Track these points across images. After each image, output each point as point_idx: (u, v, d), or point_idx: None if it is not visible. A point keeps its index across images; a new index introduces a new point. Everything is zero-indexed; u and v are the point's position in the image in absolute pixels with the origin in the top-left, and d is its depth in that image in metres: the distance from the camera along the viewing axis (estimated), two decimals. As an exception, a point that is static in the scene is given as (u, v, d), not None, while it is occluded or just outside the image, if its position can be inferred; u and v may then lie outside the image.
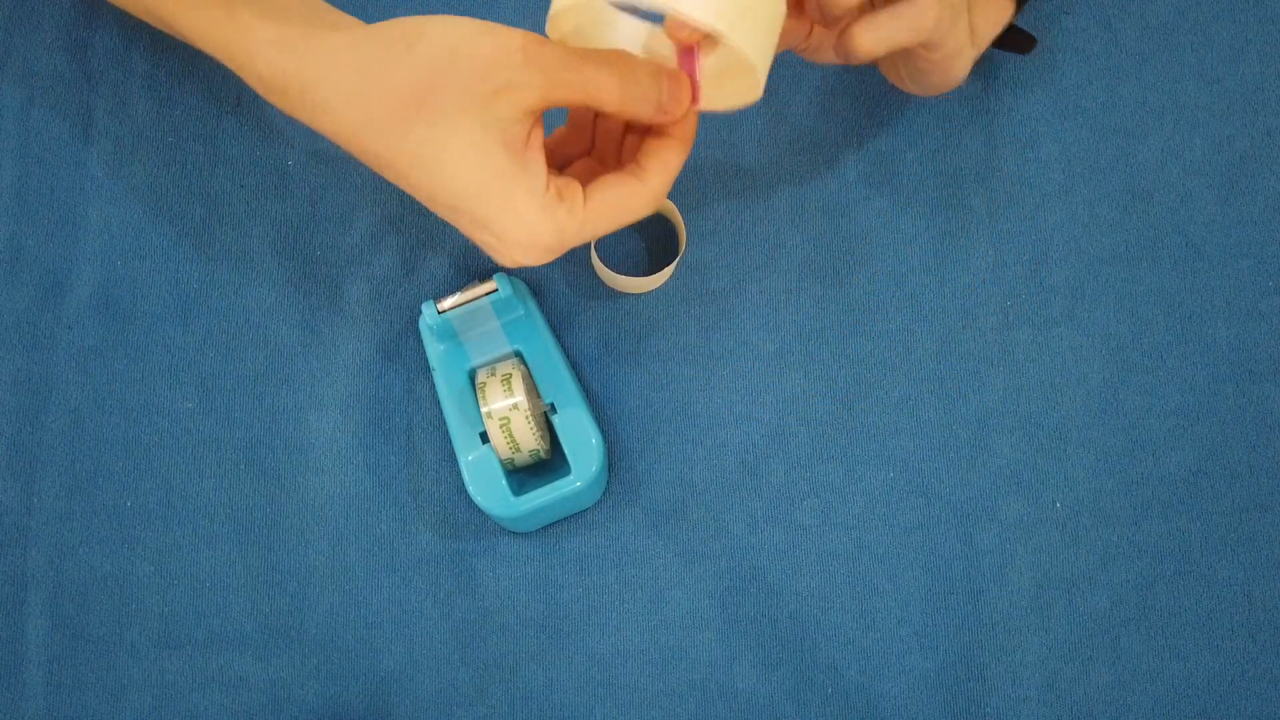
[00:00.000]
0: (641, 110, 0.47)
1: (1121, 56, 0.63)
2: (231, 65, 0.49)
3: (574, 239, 0.47)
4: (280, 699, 0.58)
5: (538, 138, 0.46)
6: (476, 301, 0.56)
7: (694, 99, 0.48)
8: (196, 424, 0.60)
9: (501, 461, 0.55)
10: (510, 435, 0.55)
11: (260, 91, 0.48)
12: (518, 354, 0.58)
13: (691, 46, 0.48)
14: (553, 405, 0.56)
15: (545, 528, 0.59)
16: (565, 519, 0.59)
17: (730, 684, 0.58)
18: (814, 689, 0.58)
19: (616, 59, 0.47)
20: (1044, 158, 0.62)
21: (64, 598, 0.59)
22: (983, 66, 0.63)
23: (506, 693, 0.58)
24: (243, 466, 0.60)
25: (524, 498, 0.55)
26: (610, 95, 0.46)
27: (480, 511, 0.58)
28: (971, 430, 0.60)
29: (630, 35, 0.50)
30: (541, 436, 0.56)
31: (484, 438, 0.56)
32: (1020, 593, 0.58)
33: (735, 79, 0.49)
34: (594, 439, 0.55)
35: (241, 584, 0.59)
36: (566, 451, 0.55)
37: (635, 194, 0.48)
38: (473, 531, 0.59)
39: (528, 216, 0.46)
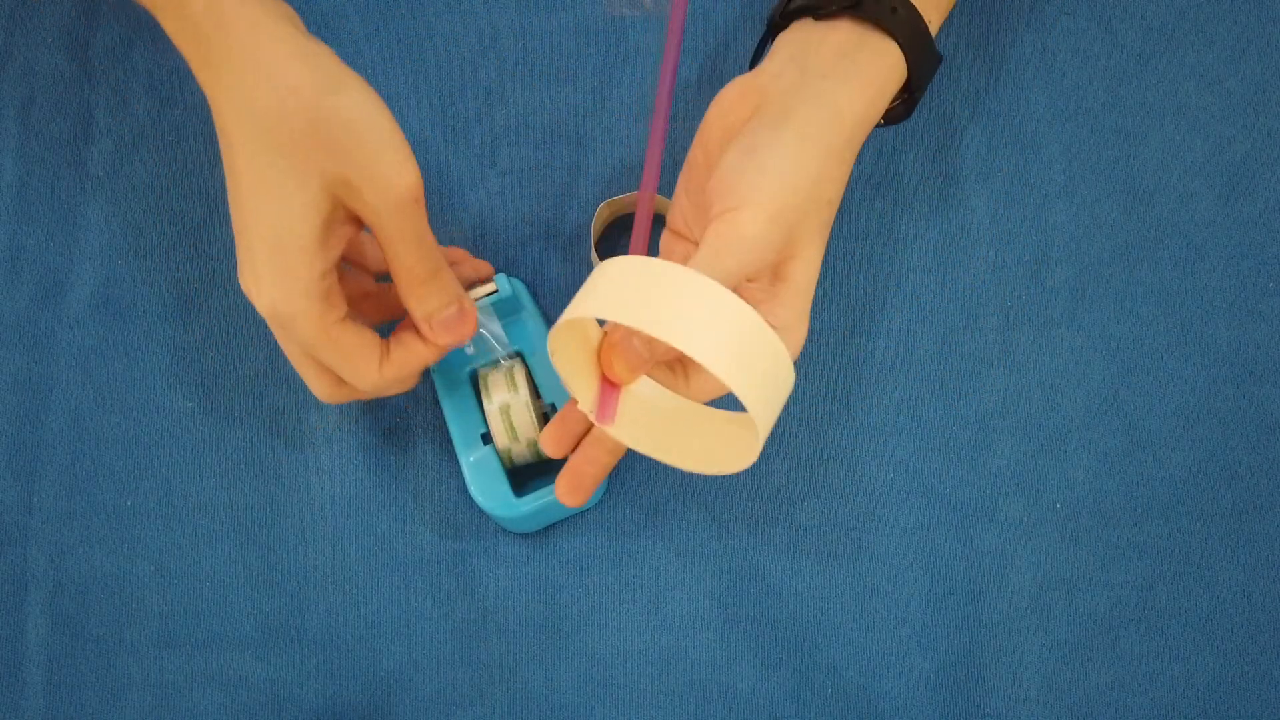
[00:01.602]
0: (414, 310, 0.50)
1: (1122, 57, 0.63)
2: (154, 13, 0.49)
3: (305, 338, 0.48)
4: (280, 699, 0.58)
5: (340, 244, 0.48)
6: (477, 302, 0.56)
7: (602, 418, 0.49)
8: (197, 423, 0.60)
9: (500, 454, 0.55)
10: (510, 423, 0.55)
11: (177, 43, 0.49)
12: (518, 355, 0.58)
13: (617, 385, 0.49)
14: (553, 405, 0.56)
15: (545, 528, 0.59)
16: (565, 519, 0.59)
17: (730, 684, 0.58)
18: (814, 689, 0.58)
19: (438, 261, 0.49)
20: (1045, 158, 0.62)
21: (64, 597, 0.59)
22: (984, 66, 0.63)
23: (506, 693, 0.58)
24: (243, 466, 0.60)
25: (525, 498, 0.55)
26: (405, 275, 0.49)
27: (480, 512, 0.58)
28: (972, 430, 0.60)
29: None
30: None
31: (485, 438, 0.56)
32: (1020, 593, 0.58)
33: (712, 444, 0.49)
34: (594, 439, 0.55)
35: (241, 583, 0.59)
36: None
37: (368, 364, 0.50)
38: (473, 532, 0.59)
39: (289, 290, 0.47)
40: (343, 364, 0.50)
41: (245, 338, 0.61)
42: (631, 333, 0.48)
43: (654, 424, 0.50)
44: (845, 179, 0.50)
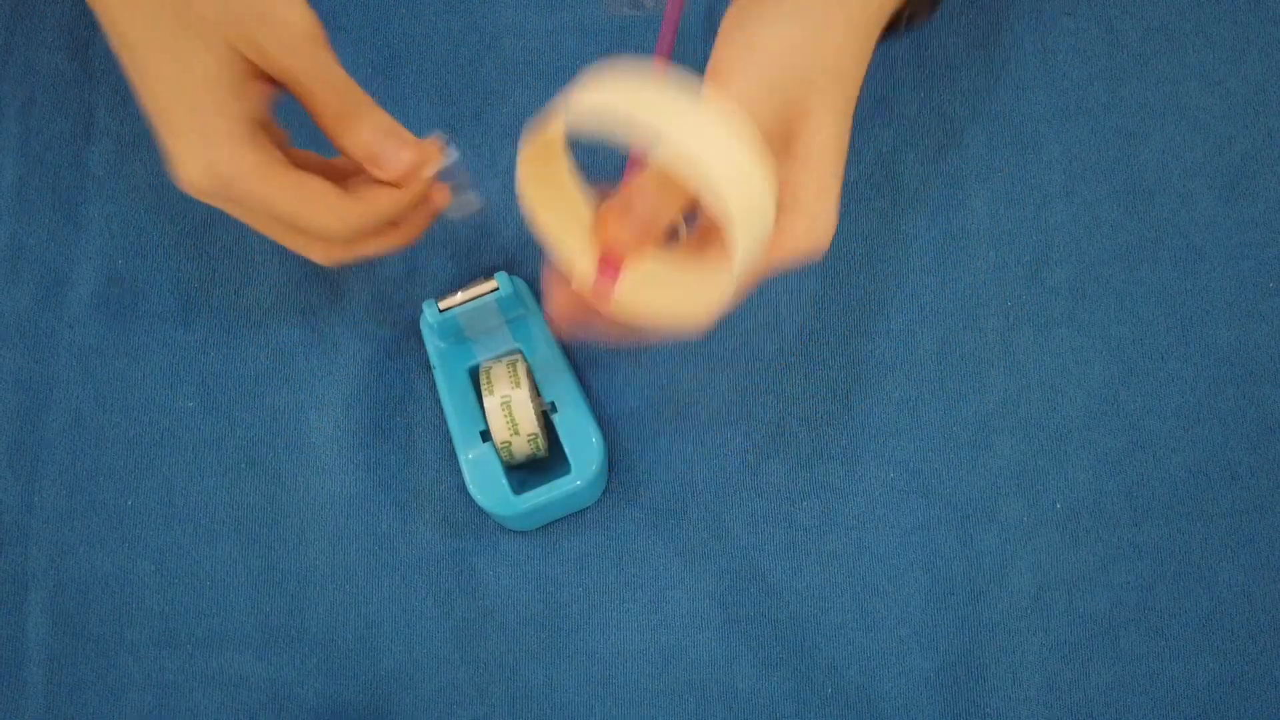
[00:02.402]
0: (353, 147, 0.48)
1: (1123, 57, 0.63)
2: None
3: (248, 189, 0.47)
4: (280, 698, 0.58)
5: (260, 99, 0.47)
6: (477, 300, 0.56)
7: (599, 298, 0.46)
8: (197, 423, 0.60)
9: (499, 449, 0.55)
10: (510, 415, 0.55)
11: None
12: (519, 353, 0.58)
13: (618, 259, 0.46)
14: (553, 404, 0.56)
15: (545, 527, 0.59)
16: (565, 518, 0.59)
17: (730, 684, 0.58)
18: (814, 689, 0.58)
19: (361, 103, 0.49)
20: (1045, 158, 0.62)
21: (64, 596, 0.59)
22: (984, 66, 0.63)
23: (506, 691, 0.58)
24: (243, 465, 0.60)
25: (524, 496, 0.55)
26: (329, 109, 0.48)
27: (480, 510, 0.58)
28: (972, 430, 0.60)
29: (578, 217, 0.48)
30: (540, 431, 0.56)
31: (484, 436, 0.56)
32: (1020, 593, 0.58)
33: (675, 290, 0.46)
34: (594, 438, 0.55)
35: (242, 583, 0.59)
36: (567, 450, 0.55)
37: (326, 192, 0.48)
38: (473, 530, 0.59)
39: (214, 139, 0.46)
40: (302, 209, 0.47)
41: (246, 338, 0.61)
42: (634, 195, 0.45)
43: (640, 288, 0.47)
44: (861, 52, 0.48)
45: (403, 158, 0.49)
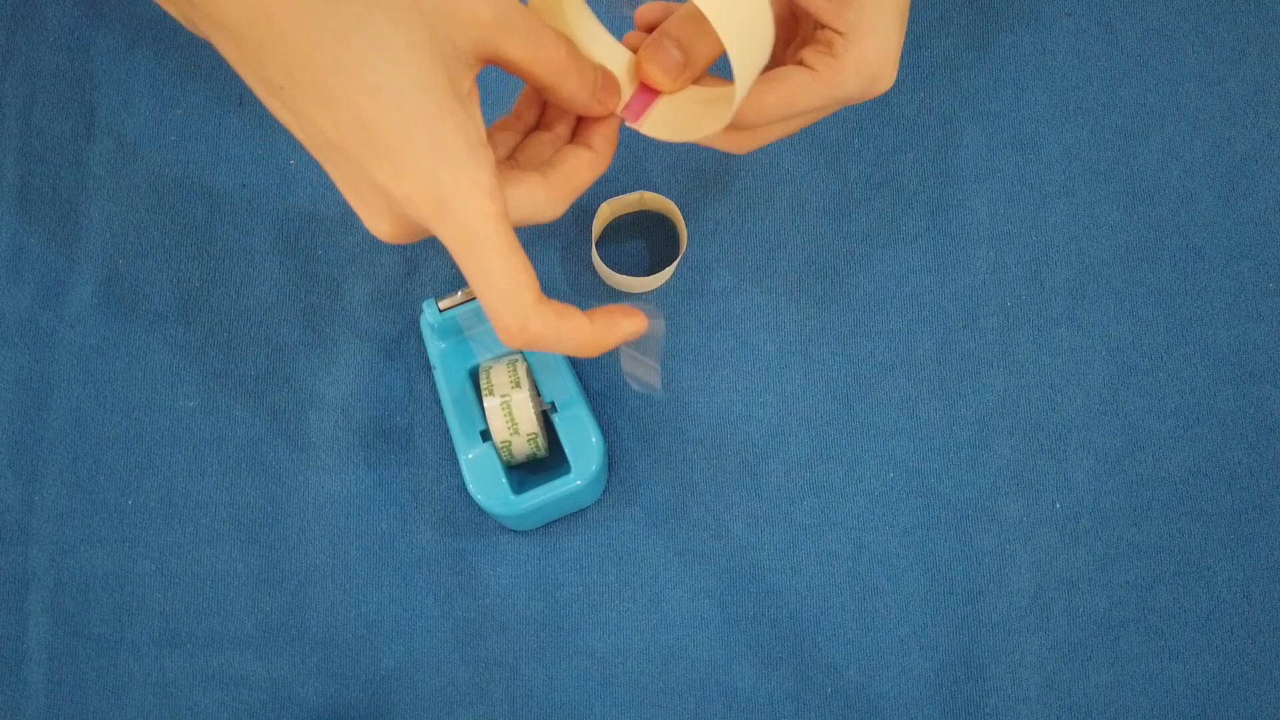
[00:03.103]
0: (577, 92, 0.42)
1: (1122, 58, 0.63)
2: None
3: (481, 204, 0.39)
4: (280, 697, 0.58)
5: (477, 95, 0.40)
6: (478, 300, 0.56)
7: (631, 116, 0.47)
8: (198, 422, 0.60)
9: (499, 449, 0.55)
10: (510, 416, 0.55)
11: None
12: (518, 352, 0.58)
13: (655, 92, 0.47)
14: (553, 404, 0.56)
15: (545, 526, 0.59)
16: (565, 518, 0.59)
17: (730, 684, 0.58)
18: (814, 689, 0.58)
19: (566, 38, 0.42)
20: (1045, 159, 0.62)
21: (65, 595, 0.59)
22: (984, 66, 0.63)
23: (506, 691, 0.58)
24: (244, 465, 0.60)
25: (524, 496, 0.55)
26: (556, 64, 0.41)
27: (480, 510, 0.58)
28: (971, 430, 0.60)
29: (615, 63, 0.49)
30: (540, 431, 0.56)
31: (484, 435, 0.56)
32: (1020, 593, 0.58)
33: (697, 114, 0.47)
34: (594, 438, 0.55)
35: (242, 582, 0.59)
36: (567, 450, 0.55)
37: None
38: (473, 530, 0.59)
39: (449, 153, 0.37)
40: (488, 291, 0.40)
41: (246, 337, 0.61)
42: (669, 36, 0.46)
43: (667, 112, 0.49)
44: None
45: (614, 83, 0.45)
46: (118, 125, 0.63)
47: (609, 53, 0.49)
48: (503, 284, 0.40)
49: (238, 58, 0.38)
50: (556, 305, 0.43)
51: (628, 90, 0.48)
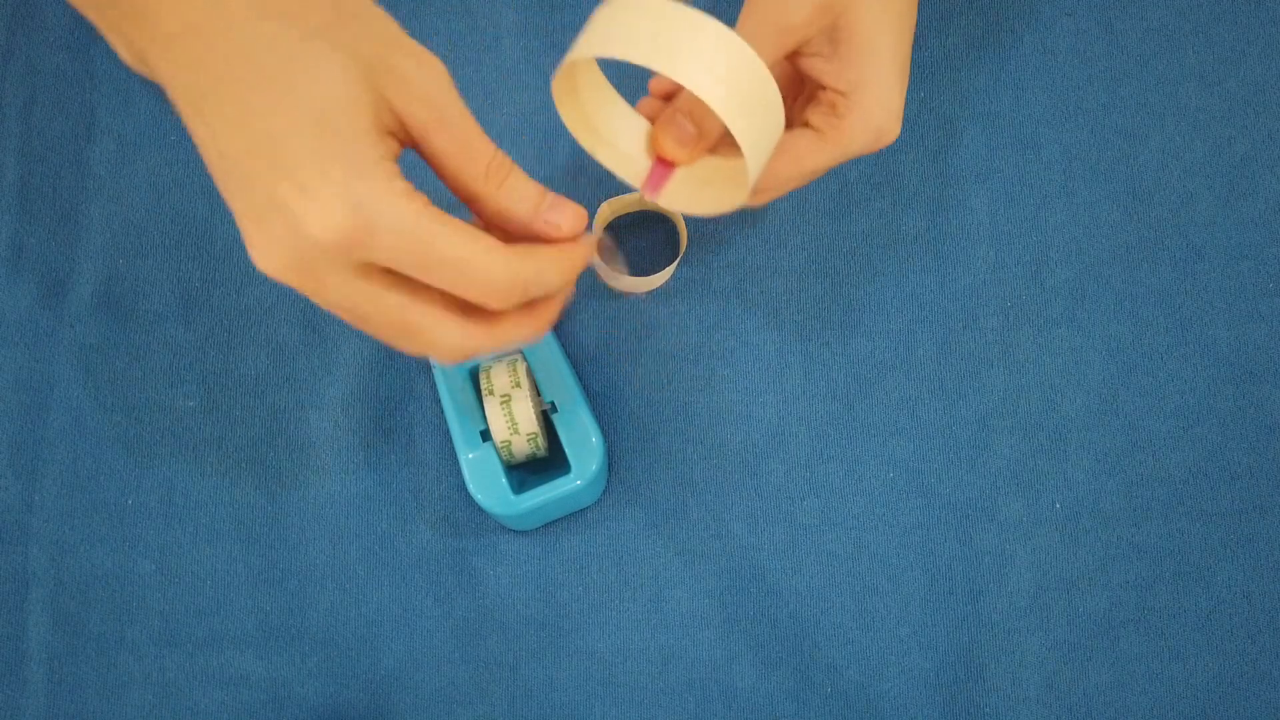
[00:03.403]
0: (513, 205, 0.40)
1: (1122, 58, 0.63)
2: None
3: (390, 227, 0.36)
4: (280, 697, 0.58)
5: (395, 149, 0.37)
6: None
7: (651, 192, 0.47)
8: (198, 422, 0.60)
9: (499, 448, 0.55)
10: (511, 416, 0.55)
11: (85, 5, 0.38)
12: (518, 352, 0.58)
13: (671, 164, 0.47)
14: (553, 404, 0.56)
15: (545, 526, 0.59)
16: (565, 518, 0.59)
17: (730, 683, 0.58)
18: (814, 689, 0.58)
19: (499, 156, 0.40)
20: (1045, 159, 0.62)
21: (65, 595, 0.59)
22: (984, 66, 0.63)
23: (507, 691, 0.58)
24: (244, 465, 0.60)
25: (524, 496, 0.55)
26: (479, 163, 0.39)
27: (480, 510, 0.58)
28: (971, 430, 0.60)
29: (631, 133, 0.50)
30: (540, 431, 0.56)
31: (484, 435, 0.56)
32: (1020, 593, 0.58)
33: (713, 189, 0.48)
34: (594, 438, 0.55)
35: (242, 582, 0.59)
36: (567, 450, 0.55)
37: (493, 246, 0.38)
38: (473, 530, 0.59)
39: (359, 170, 0.35)
40: (472, 256, 0.37)
41: (247, 337, 0.61)
42: (681, 110, 0.46)
43: (683, 184, 0.50)
44: None
45: (572, 210, 0.41)
46: (118, 125, 0.63)
47: (627, 125, 0.50)
48: (465, 252, 0.37)
49: (170, 74, 0.37)
50: (520, 244, 0.40)
51: (642, 163, 0.48)
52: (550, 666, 0.58)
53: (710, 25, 0.42)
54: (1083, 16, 0.63)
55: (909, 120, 0.62)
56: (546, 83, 0.63)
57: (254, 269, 0.62)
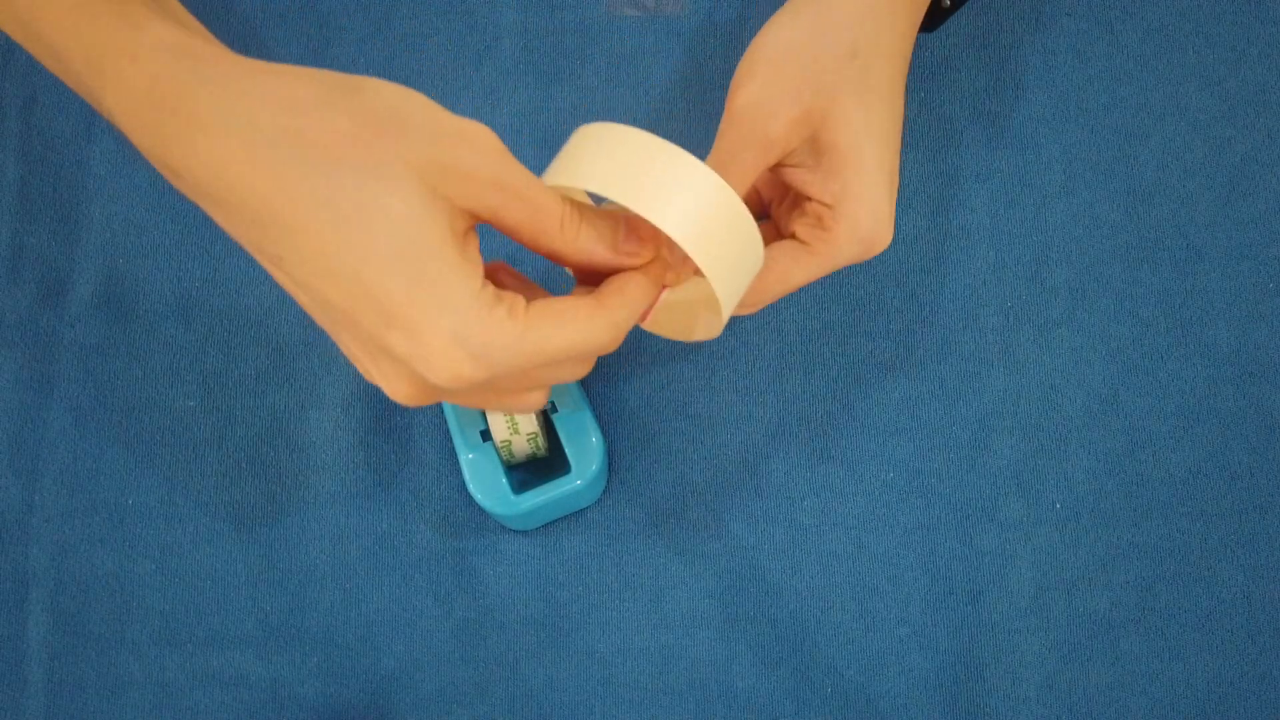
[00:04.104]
0: (593, 248, 0.40)
1: (1123, 58, 0.63)
2: (89, 73, 0.37)
3: (504, 355, 0.37)
4: (280, 697, 0.58)
5: (475, 242, 0.38)
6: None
7: (640, 319, 0.45)
8: (198, 422, 0.60)
9: (499, 449, 0.55)
10: (510, 415, 0.55)
11: (121, 110, 0.37)
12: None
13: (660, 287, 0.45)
14: (553, 404, 0.56)
15: (545, 526, 0.59)
16: (565, 518, 0.59)
17: (730, 683, 0.58)
18: (814, 689, 0.58)
19: (568, 203, 0.40)
20: (1045, 159, 0.62)
21: (65, 595, 0.59)
22: (984, 66, 0.63)
23: (507, 691, 0.58)
24: (244, 465, 0.60)
25: (524, 496, 0.55)
26: (551, 232, 0.39)
27: (480, 510, 0.58)
28: (971, 430, 0.60)
29: None
30: (540, 431, 0.56)
31: (484, 435, 0.56)
32: (1020, 593, 0.58)
33: (695, 314, 0.47)
34: (594, 438, 0.55)
35: (242, 582, 0.59)
36: (567, 450, 0.55)
37: (590, 314, 0.39)
38: (473, 530, 0.59)
39: (458, 307, 0.36)
40: (571, 348, 0.38)
41: (246, 337, 0.61)
42: (664, 239, 0.44)
43: (667, 310, 0.49)
44: (881, 36, 0.45)
45: (648, 231, 0.41)
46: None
47: None
48: (571, 339, 0.39)
49: (233, 227, 0.38)
50: (609, 288, 0.41)
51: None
52: (550, 666, 0.58)
53: (682, 162, 0.41)
54: (1083, 16, 0.63)
55: (909, 120, 0.62)
56: (546, 83, 0.63)
57: (254, 269, 0.62)
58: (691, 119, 0.63)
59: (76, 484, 0.60)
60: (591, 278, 0.42)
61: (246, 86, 0.36)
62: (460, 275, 0.36)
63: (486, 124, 0.63)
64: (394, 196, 0.35)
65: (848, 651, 0.58)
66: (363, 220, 0.35)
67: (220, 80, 0.36)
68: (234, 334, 0.61)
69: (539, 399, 0.42)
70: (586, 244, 0.40)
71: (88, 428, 0.61)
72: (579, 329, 0.39)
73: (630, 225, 0.42)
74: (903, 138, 0.62)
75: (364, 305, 0.36)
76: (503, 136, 0.62)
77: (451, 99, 0.63)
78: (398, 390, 0.39)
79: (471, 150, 0.37)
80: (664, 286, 0.46)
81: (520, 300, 0.38)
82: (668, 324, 0.48)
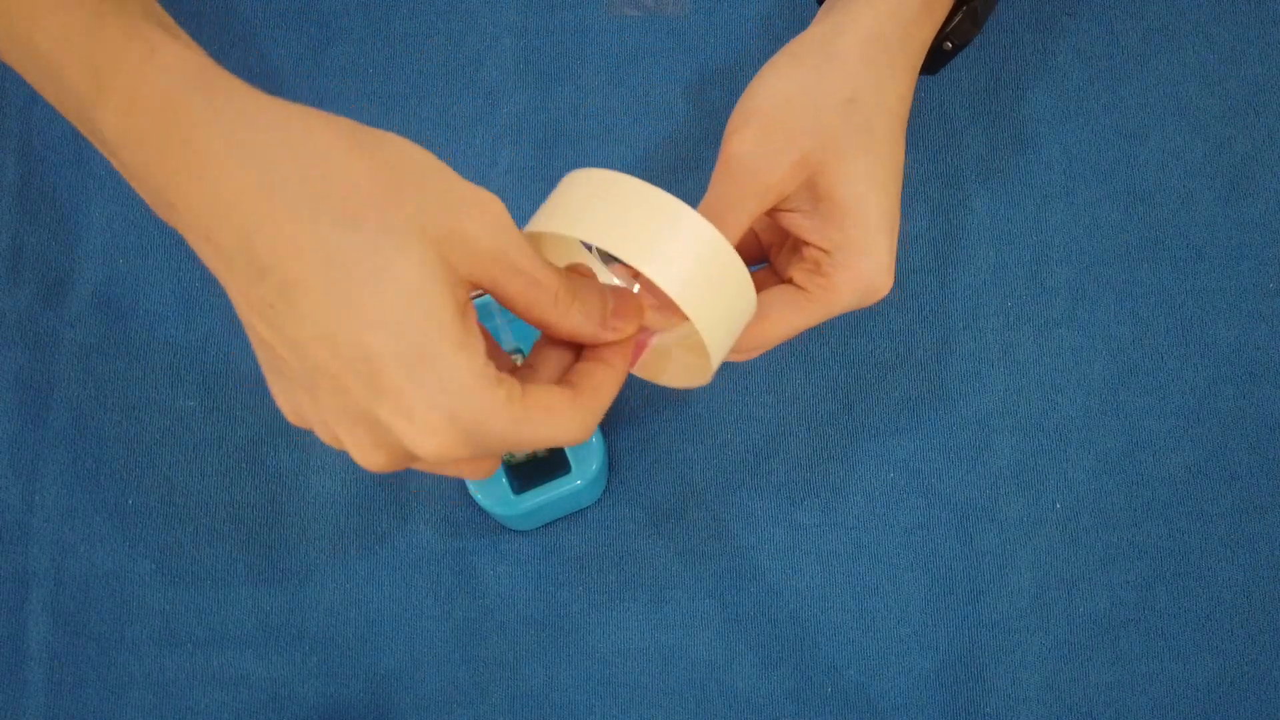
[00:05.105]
0: (579, 328, 0.39)
1: (1123, 58, 0.63)
2: (90, 91, 0.36)
3: (493, 439, 0.36)
4: (281, 697, 0.58)
5: (474, 313, 0.37)
6: (478, 300, 0.56)
7: (630, 363, 0.44)
8: (198, 422, 0.60)
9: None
10: None
11: (120, 134, 0.35)
12: (519, 352, 0.58)
13: (649, 332, 0.45)
14: (553, 404, 0.56)
15: (545, 526, 0.59)
16: (565, 518, 0.59)
17: (730, 683, 0.58)
18: (814, 689, 0.58)
19: (562, 276, 0.39)
20: (1045, 159, 0.62)
21: (65, 595, 0.59)
22: (984, 66, 0.63)
23: (507, 691, 0.58)
24: (244, 464, 0.60)
25: (524, 496, 0.55)
26: (546, 305, 0.38)
27: (481, 510, 0.58)
28: (971, 430, 0.60)
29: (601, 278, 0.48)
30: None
31: (484, 436, 0.56)
32: (1020, 593, 0.58)
33: (685, 359, 0.47)
34: (594, 438, 0.56)
35: (242, 582, 0.59)
36: (567, 450, 0.55)
37: (570, 410, 0.38)
38: (473, 530, 0.59)
39: (460, 388, 0.35)
40: (554, 431, 0.38)
41: (246, 337, 0.61)
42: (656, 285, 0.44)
43: (657, 356, 0.48)
44: (888, 75, 0.45)
45: (633, 307, 0.41)
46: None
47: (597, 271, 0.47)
48: (552, 431, 0.38)
49: (224, 268, 0.36)
50: (586, 377, 0.40)
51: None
52: (550, 666, 0.58)
53: (673, 210, 0.40)
54: (1083, 16, 0.63)
55: (909, 120, 0.62)
56: (546, 83, 0.63)
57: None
58: (691, 119, 0.63)
59: (76, 484, 0.60)
60: (561, 341, 0.42)
61: (265, 123, 0.34)
62: (466, 354, 0.35)
63: (486, 124, 0.64)
64: (408, 263, 0.34)
65: (848, 651, 0.58)
66: (374, 285, 0.34)
67: (236, 113, 0.34)
68: (234, 334, 0.61)
69: (494, 467, 0.41)
70: (576, 319, 0.39)
71: (87, 427, 0.61)
72: (561, 423, 0.38)
73: (618, 304, 0.41)
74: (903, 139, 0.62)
75: (356, 372, 0.34)
76: (502, 136, 0.63)
77: (451, 99, 0.63)
78: (371, 459, 0.37)
79: (483, 220, 0.36)
80: (652, 331, 0.46)
81: (517, 386, 0.37)
82: (656, 368, 0.47)
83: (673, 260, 0.40)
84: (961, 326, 0.61)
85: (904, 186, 0.62)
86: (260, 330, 0.36)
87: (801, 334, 0.60)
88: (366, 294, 0.34)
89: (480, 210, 0.36)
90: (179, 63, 0.35)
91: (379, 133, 0.36)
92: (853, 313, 0.60)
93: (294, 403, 0.38)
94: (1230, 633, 0.58)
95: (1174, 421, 0.60)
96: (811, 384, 0.60)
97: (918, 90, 0.63)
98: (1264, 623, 0.58)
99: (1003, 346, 0.60)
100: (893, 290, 0.60)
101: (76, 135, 0.63)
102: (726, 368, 0.60)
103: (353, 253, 0.34)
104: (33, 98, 0.64)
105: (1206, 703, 0.58)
